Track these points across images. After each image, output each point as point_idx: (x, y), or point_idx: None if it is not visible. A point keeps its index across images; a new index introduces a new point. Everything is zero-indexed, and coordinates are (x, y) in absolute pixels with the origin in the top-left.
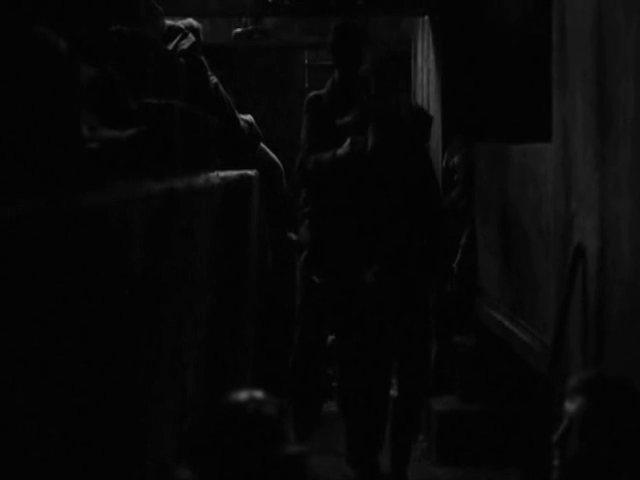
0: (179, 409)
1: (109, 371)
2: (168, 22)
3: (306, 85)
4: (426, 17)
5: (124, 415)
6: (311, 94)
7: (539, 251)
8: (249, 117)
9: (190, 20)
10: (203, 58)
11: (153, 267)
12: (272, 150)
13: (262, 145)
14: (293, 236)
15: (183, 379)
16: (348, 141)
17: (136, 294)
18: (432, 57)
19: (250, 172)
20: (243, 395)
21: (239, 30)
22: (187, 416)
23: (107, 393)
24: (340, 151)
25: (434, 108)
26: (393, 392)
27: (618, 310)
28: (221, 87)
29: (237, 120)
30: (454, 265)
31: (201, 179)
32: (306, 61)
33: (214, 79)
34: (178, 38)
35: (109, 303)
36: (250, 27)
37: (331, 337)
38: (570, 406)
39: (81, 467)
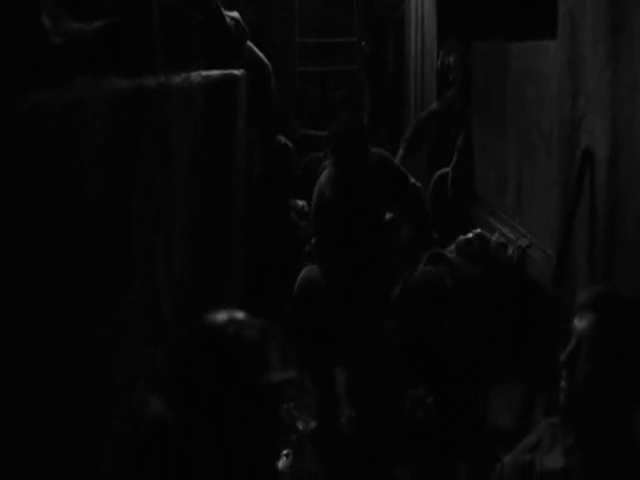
0: (152, 334)
1: (66, 290)
2: None
3: None
4: None
5: (87, 341)
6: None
7: (540, 155)
8: (235, 14)
9: None
10: None
11: (119, 174)
12: (262, 51)
13: (249, 43)
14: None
15: (157, 301)
16: None
17: (97, 206)
18: None
19: (236, 72)
20: (222, 316)
21: None
22: (161, 342)
23: (66, 315)
24: None
25: (428, 5)
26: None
27: (631, 220)
28: None
29: (222, 16)
30: (449, 169)
31: (180, 78)
32: None
33: None
34: None
35: (64, 215)
36: None
37: None
38: (579, 323)
39: (37, 396)
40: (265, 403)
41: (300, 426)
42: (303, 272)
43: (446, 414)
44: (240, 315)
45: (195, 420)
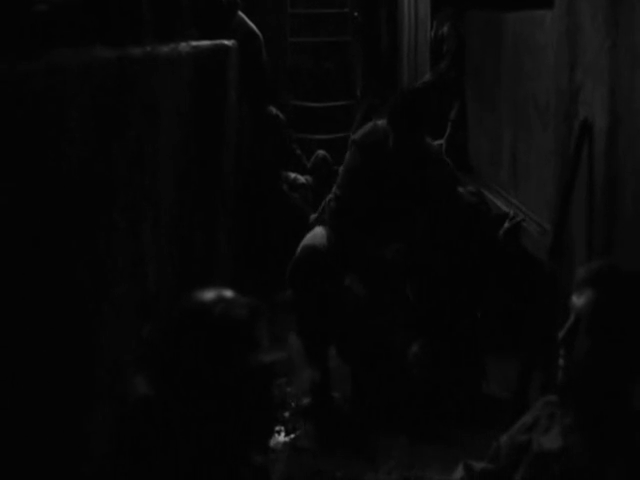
0: (138, 312)
1: (51, 266)
2: None
3: None
4: None
5: (71, 317)
6: (360, 137)
7: (536, 127)
8: None
9: None
10: None
11: (102, 144)
12: (253, 21)
13: (240, 14)
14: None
15: (144, 277)
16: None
17: (79, 177)
18: None
19: (227, 42)
20: (210, 295)
21: None
22: (147, 320)
23: (49, 290)
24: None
25: None
26: None
27: (630, 194)
28: None
29: None
30: (442, 141)
31: (168, 48)
32: None
33: None
34: None
35: (43, 191)
36: None
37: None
38: (577, 300)
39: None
40: (255, 384)
41: (293, 403)
42: (308, 236)
43: (444, 373)
44: (228, 293)
45: (182, 402)
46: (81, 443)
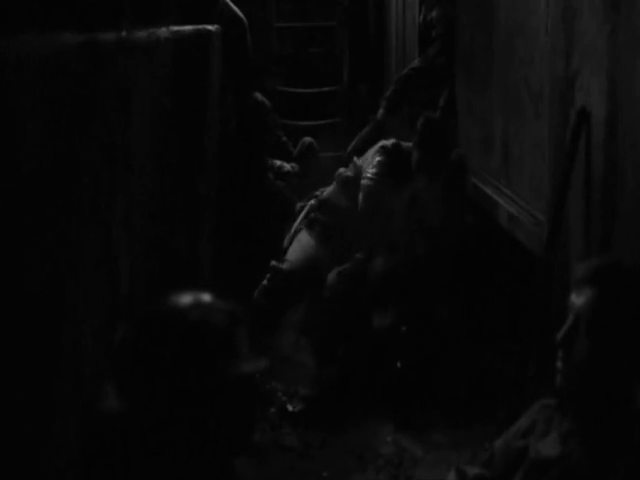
0: (108, 314)
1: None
2: None
3: None
4: None
5: (31, 318)
6: (376, 181)
7: (529, 114)
8: None
9: None
10: None
11: (69, 138)
12: (237, 5)
13: None
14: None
15: (115, 276)
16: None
17: (43, 172)
18: None
19: (210, 27)
20: (186, 299)
21: None
22: (117, 326)
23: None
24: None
25: None
26: None
27: (630, 185)
28: None
29: None
30: None
31: (145, 33)
32: None
33: None
34: None
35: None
36: None
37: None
38: (577, 299)
39: None
40: (235, 396)
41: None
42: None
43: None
44: (206, 297)
45: (155, 413)
46: (41, 456)
